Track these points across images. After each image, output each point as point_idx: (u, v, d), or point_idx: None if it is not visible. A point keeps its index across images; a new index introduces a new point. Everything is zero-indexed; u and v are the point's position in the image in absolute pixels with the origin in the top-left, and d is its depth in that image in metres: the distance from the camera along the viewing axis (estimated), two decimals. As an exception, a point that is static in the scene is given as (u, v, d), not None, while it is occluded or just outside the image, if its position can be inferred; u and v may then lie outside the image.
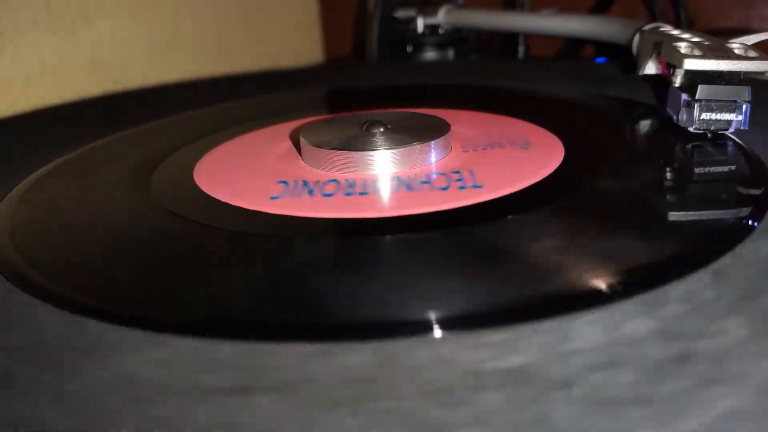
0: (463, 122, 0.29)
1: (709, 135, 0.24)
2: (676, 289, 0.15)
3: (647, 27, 0.32)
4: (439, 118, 0.26)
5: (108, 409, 0.13)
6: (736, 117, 0.24)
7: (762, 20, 0.50)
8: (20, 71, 0.42)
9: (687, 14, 0.47)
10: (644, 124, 0.29)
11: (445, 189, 0.22)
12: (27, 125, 0.35)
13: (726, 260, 0.16)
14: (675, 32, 0.29)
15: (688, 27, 0.47)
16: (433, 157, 0.24)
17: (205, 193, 0.23)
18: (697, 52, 0.24)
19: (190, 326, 0.15)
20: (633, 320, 0.14)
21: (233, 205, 0.22)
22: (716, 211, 0.20)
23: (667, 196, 0.22)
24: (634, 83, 0.32)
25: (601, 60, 0.44)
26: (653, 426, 0.11)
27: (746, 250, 0.17)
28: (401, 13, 0.51)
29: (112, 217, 0.22)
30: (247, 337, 0.15)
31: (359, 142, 0.24)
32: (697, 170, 0.23)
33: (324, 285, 0.17)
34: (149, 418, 0.13)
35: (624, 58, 0.35)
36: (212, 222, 0.21)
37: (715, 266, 0.16)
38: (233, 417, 0.12)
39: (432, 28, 0.50)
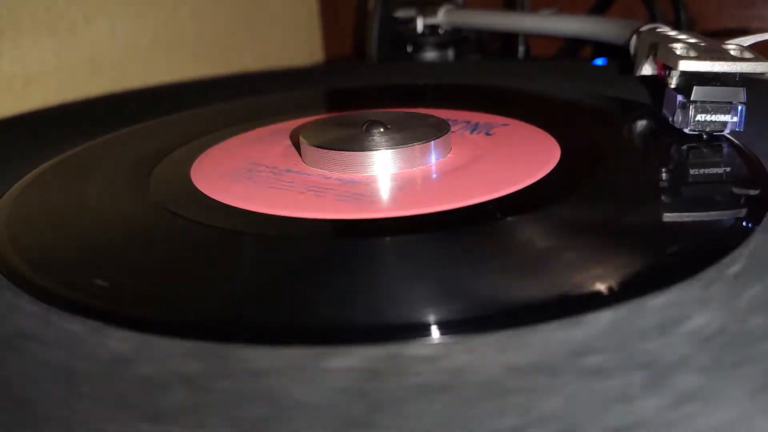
0: (463, 122, 0.29)
1: (705, 136, 0.25)
2: (675, 291, 0.15)
3: (644, 28, 0.32)
4: (439, 118, 0.27)
5: (109, 412, 0.13)
6: (732, 118, 0.24)
7: (762, 20, 0.50)
8: (20, 71, 0.42)
9: (687, 14, 0.47)
10: (641, 125, 0.29)
11: (443, 189, 0.22)
12: (27, 125, 0.35)
13: (726, 260, 0.17)
14: (671, 33, 0.29)
15: (688, 27, 0.47)
16: (432, 157, 0.24)
17: (204, 193, 0.23)
18: (692, 54, 0.24)
19: (188, 326, 0.16)
20: (632, 320, 0.14)
21: (231, 206, 0.22)
22: (714, 213, 0.20)
23: (665, 198, 0.22)
24: (631, 84, 0.32)
25: (600, 60, 0.45)
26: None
27: (746, 250, 0.17)
28: (401, 13, 0.51)
29: (110, 217, 0.22)
30: (244, 338, 0.15)
31: (359, 142, 0.24)
32: (695, 172, 0.23)
33: (322, 286, 0.17)
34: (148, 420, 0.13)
35: (622, 58, 0.35)
36: (211, 222, 0.21)
37: (714, 266, 0.16)
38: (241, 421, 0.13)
39: (432, 28, 0.51)
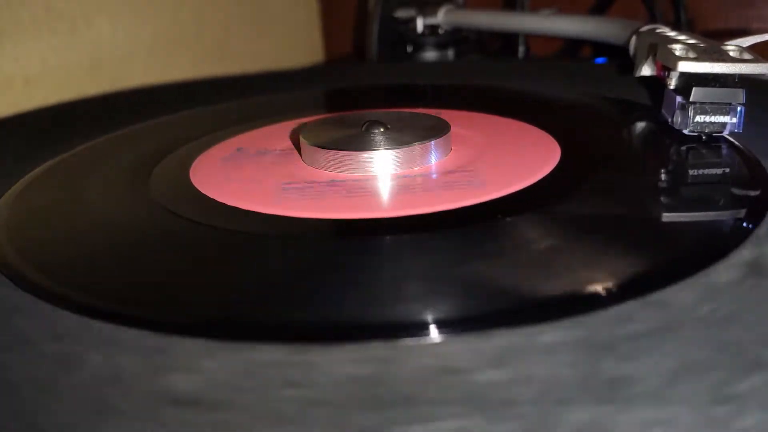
0: (463, 122, 0.29)
1: (704, 137, 0.25)
2: (674, 292, 0.15)
3: (644, 28, 0.32)
4: (439, 118, 0.27)
5: (105, 408, 0.13)
6: (731, 119, 0.24)
7: (762, 21, 0.50)
8: (20, 71, 0.42)
9: (687, 15, 0.47)
10: (640, 126, 0.29)
11: (444, 189, 0.22)
12: (27, 125, 0.35)
13: (726, 260, 0.17)
14: (671, 34, 0.29)
15: (688, 28, 0.47)
16: (432, 157, 0.24)
17: (202, 193, 0.23)
18: (691, 55, 0.24)
19: (187, 326, 0.16)
20: (631, 321, 0.15)
21: (230, 206, 0.22)
22: (714, 213, 0.20)
23: (664, 199, 0.22)
24: (631, 85, 0.32)
25: (600, 60, 0.45)
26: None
27: (746, 250, 0.17)
28: (401, 13, 0.51)
29: (110, 216, 0.22)
30: (243, 337, 0.15)
31: (359, 142, 0.24)
32: (694, 172, 0.23)
33: (322, 285, 0.17)
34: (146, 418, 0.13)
35: (622, 58, 0.35)
36: (210, 222, 0.21)
37: (714, 266, 0.16)
38: (227, 421, 0.13)
39: (432, 28, 0.51)
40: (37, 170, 0.27)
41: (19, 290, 0.17)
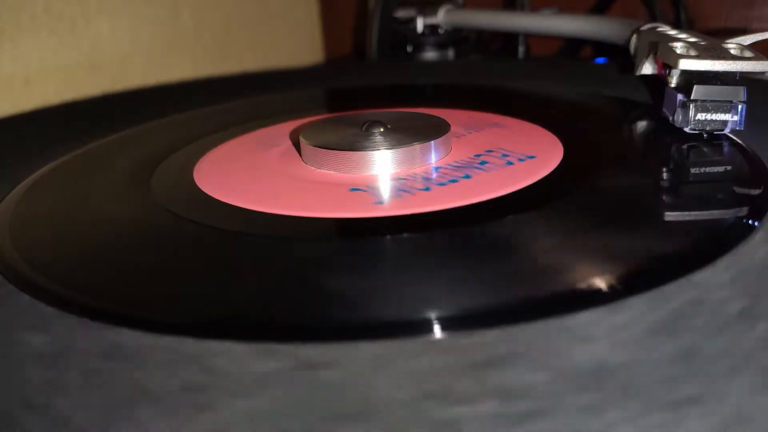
0: (463, 122, 0.29)
1: (705, 135, 0.25)
2: (676, 290, 0.15)
3: (644, 27, 0.32)
4: (439, 118, 0.27)
5: (109, 412, 0.13)
6: (732, 117, 0.24)
7: (762, 20, 0.50)
8: (20, 71, 0.42)
9: (687, 14, 0.48)
10: (641, 125, 0.29)
11: (444, 189, 0.22)
12: (27, 125, 0.35)
13: (726, 260, 0.17)
14: (671, 32, 0.29)
15: (688, 27, 0.47)
16: (432, 157, 0.24)
17: (205, 193, 0.23)
18: (692, 53, 0.24)
19: (189, 327, 0.16)
20: (631, 321, 0.14)
21: (233, 206, 0.22)
22: (716, 211, 0.20)
23: (666, 197, 0.22)
24: (632, 83, 0.32)
25: (600, 60, 0.45)
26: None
27: (746, 249, 0.17)
28: (401, 13, 0.51)
29: (112, 218, 0.22)
30: (246, 338, 0.15)
31: (359, 142, 0.24)
32: (696, 171, 0.23)
33: (324, 286, 0.17)
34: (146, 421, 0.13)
35: (623, 58, 0.35)
36: (212, 222, 0.21)
37: (714, 266, 0.16)
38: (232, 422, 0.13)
39: (432, 28, 0.51)
40: (39, 172, 0.27)
41: (20, 292, 0.17)
